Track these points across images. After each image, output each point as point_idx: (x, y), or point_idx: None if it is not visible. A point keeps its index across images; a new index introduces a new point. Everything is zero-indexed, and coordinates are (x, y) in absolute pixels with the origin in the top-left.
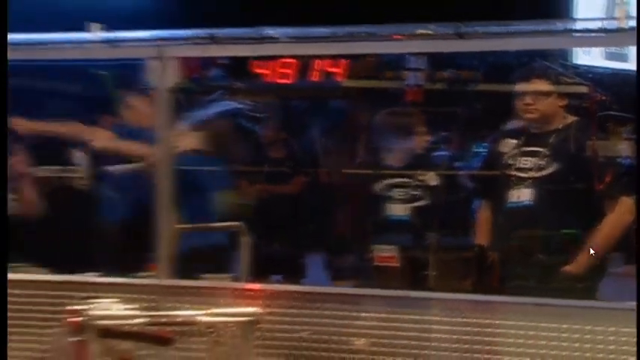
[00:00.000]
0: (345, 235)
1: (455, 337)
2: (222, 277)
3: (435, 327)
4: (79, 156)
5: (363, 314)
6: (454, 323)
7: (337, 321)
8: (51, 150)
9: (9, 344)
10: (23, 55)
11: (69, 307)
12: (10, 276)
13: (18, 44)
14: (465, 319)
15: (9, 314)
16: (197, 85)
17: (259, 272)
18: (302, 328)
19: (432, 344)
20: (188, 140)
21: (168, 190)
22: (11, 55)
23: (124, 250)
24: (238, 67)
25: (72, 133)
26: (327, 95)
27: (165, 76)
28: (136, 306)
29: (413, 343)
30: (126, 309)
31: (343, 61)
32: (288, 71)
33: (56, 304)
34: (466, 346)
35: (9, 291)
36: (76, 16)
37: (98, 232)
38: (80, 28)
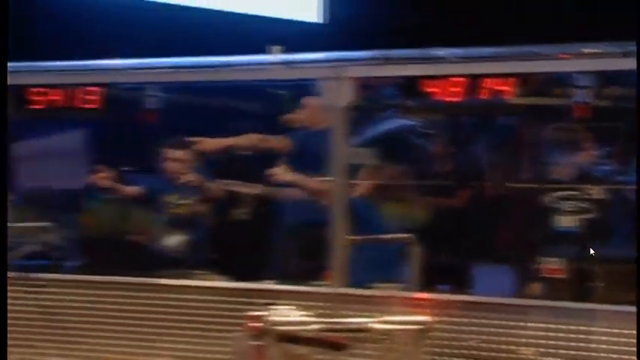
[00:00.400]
0: (512, 247)
1: (620, 348)
2: (393, 287)
3: (600, 338)
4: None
5: (530, 324)
6: (619, 335)
7: (505, 330)
8: (233, 166)
9: (195, 347)
10: (209, 76)
11: (250, 313)
12: (195, 283)
13: (204, 67)
14: (630, 331)
15: (197, 319)
16: (371, 103)
17: (428, 282)
18: (470, 336)
19: (599, 355)
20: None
21: (343, 204)
22: (198, 77)
23: (300, 260)
24: (409, 85)
25: (253, 144)
26: (494, 112)
27: (341, 95)
28: (312, 313)
29: (579, 353)
30: (302, 315)
31: (512, 79)
32: (458, 89)
33: (237, 310)
34: (632, 358)
35: (193, 297)
36: (257, 39)
37: (276, 242)
38: (261, 51)
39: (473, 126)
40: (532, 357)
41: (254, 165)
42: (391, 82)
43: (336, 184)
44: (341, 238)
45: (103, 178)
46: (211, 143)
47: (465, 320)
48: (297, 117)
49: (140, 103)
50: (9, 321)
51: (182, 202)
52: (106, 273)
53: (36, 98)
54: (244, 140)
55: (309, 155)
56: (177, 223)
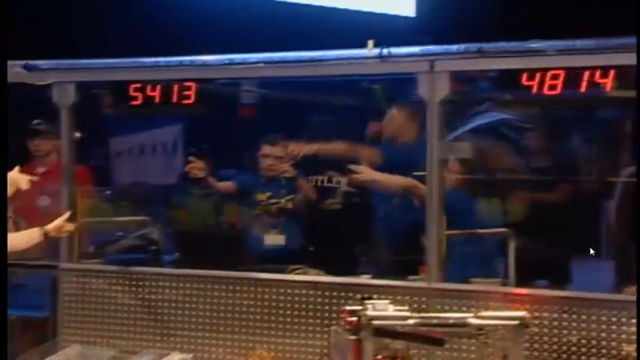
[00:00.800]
0: (611, 241)
1: None
2: (490, 282)
3: None
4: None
5: (632, 320)
6: None
7: (606, 327)
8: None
9: (291, 340)
10: (303, 71)
11: (347, 308)
12: (291, 277)
13: (299, 62)
14: None
15: (293, 312)
16: (466, 97)
17: (526, 277)
18: (570, 332)
19: None
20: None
21: (439, 198)
22: (294, 72)
23: (396, 254)
24: (506, 78)
25: (342, 152)
26: (594, 105)
27: (436, 90)
28: (407, 307)
29: None
30: (398, 310)
31: (612, 72)
32: (556, 82)
33: (334, 305)
34: None
35: (290, 291)
36: (347, 33)
37: (373, 237)
38: (357, 45)
39: (571, 119)
40: (633, 354)
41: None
42: (487, 76)
43: (431, 178)
44: (437, 232)
45: (197, 168)
46: (302, 147)
47: (564, 316)
48: (385, 128)
49: (236, 99)
50: (109, 313)
51: (275, 200)
52: (203, 267)
53: (134, 94)
54: (334, 147)
55: (396, 169)
56: (271, 221)
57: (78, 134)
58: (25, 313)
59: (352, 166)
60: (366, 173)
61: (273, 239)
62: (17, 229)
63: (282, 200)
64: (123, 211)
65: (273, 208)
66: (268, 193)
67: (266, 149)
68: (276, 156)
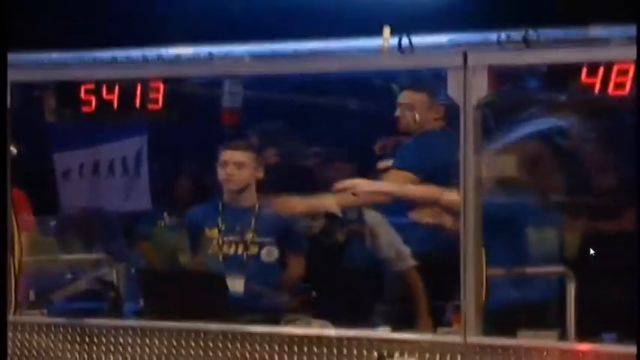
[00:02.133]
0: None
1: None
2: (544, 335)
3: None
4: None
5: None
6: None
7: None
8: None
9: None
10: (301, 67)
11: None
12: (286, 330)
13: (295, 55)
14: None
15: None
16: (509, 98)
17: (590, 329)
18: None
19: None
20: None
21: (476, 228)
22: (288, 67)
23: (420, 301)
24: (560, 75)
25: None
26: None
27: (471, 89)
28: None
29: None
30: None
31: None
32: (625, 79)
33: None
34: None
35: (290, 348)
36: (364, 18)
37: (388, 278)
38: (370, 33)
39: None
40: None
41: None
42: (535, 72)
43: (466, 201)
44: (475, 270)
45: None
46: (363, 184)
47: None
48: (402, 120)
49: (217, 102)
50: None
51: (231, 237)
52: (175, 318)
53: (86, 97)
54: (411, 190)
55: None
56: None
57: (13, 149)
58: None
59: (342, 183)
60: (362, 185)
61: (233, 284)
62: None
63: (244, 240)
64: (72, 247)
65: (229, 251)
66: (220, 227)
67: (226, 155)
68: (238, 162)
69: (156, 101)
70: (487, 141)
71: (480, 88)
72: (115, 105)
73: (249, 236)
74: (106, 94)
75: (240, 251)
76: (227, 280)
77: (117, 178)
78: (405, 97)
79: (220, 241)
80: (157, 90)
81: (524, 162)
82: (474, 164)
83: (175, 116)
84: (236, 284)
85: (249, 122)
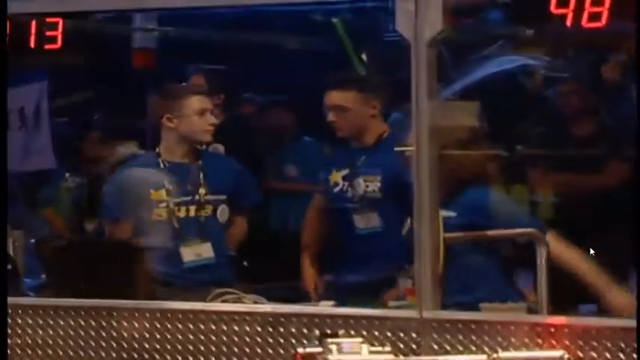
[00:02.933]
0: None
1: None
2: (508, 308)
3: None
4: None
5: None
6: None
7: None
8: None
9: None
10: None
11: (300, 350)
12: (219, 306)
13: None
14: None
15: (221, 358)
16: (468, 34)
17: (564, 299)
18: None
19: None
20: (456, 114)
21: (431, 185)
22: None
23: (369, 269)
24: (527, 6)
25: None
26: None
27: (423, 23)
28: (389, 348)
29: None
30: (375, 352)
31: None
32: (601, 10)
33: (281, 345)
34: None
35: (218, 327)
36: None
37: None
38: None
39: (625, 66)
40: None
41: None
42: (497, 2)
43: (420, 155)
44: (430, 236)
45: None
46: None
47: (620, 355)
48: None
49: (127, 42)
50: None
51: (180, 200)
52: (83, 294)
53: None
54: None
55: None
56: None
57: None
58: None
59: None
60: None
61: (194, 252)
62: None
63: (193, 202)
64: None
65: (176, 215)
66: (167, 188)
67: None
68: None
69: (54, 40)
70: (442, 84)
71: (434, 22)
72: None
73: (200, 195)
74: None
75: (192, 213)
76: (182, 248)
77: (13, 133)
78: (332, 98)
79: (170, 204)
80: (55, 27)
81: (485, 108)
82: (427, 112)
83: (77, 59)
84: (197, 251)
85: (167, 65)
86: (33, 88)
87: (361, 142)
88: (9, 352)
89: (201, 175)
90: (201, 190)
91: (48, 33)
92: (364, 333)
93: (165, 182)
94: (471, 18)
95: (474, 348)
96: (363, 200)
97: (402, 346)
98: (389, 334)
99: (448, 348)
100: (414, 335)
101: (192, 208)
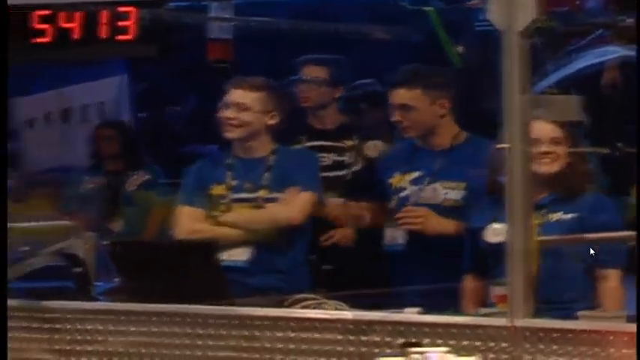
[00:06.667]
0: None
1: None
2: (609, 316)
3: None
4: None
5: None
6: None
7: None
8: None
9: None
10: None
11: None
12: (298, 313)
13: None
14: None
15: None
16: (564, 23)
17: None
18: None
19: None
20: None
21: (524, 187)
22: None
23: (456, 277)
24: None
25: None
26: None
27: (515, 12)
28: (476, 358)
29: None
30: None
31: None
32: None
33: (363, 355)
34: None
35: (297, 334)
36: None
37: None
38: None
39: None
40: None
41: None
42: None
43: (513, 153)
44: (523, 239)
45: None
46: None
47: None
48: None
49: (202, 32)
50: None
51: (244, 194)
52: (158, 300)
53: (39, 26)
54: None
55: None
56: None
57: None
58: None
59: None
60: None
61: (232, 253)
62: None
63: (258, 195)
64: (36, 213)
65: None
66: (230, 183)
67: (232, 95)
68: (240, 104)
69: (126, 31)
70: (536, 77)
71: (527, 10)
72: (76, 36)
73: (261, 193)
74: (64, 23)
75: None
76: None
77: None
78: (397, 96)
79: (229, 200)
80: (128, 17)
81: (586, 102)
82: (520, 106)
83: (150, 50)
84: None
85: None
86: (112, 81)
87: (432, 145)
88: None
89: (267, 173)
90: (263, 190)
91: (120, 23)
92: (451, 342)
93: (228, 177)
94: (567, 6)
95: (569, 359)
96: (440, 206)
97: (491, 355)
98: (478, 343)
99: (542, 358)
100: (504, 345)
101: (249, 206)
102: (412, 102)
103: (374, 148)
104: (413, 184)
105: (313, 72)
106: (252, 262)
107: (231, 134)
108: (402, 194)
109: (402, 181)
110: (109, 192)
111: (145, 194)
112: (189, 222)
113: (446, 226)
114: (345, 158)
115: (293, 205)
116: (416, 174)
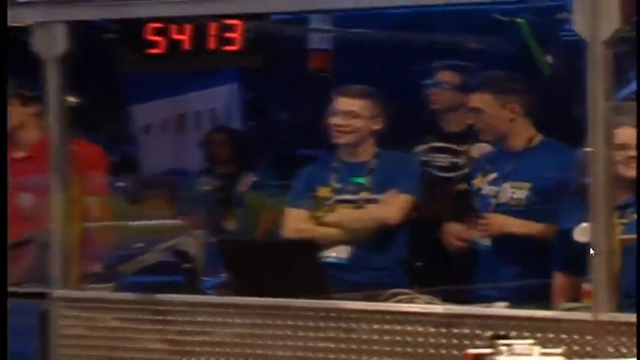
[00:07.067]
0: None
1: None
2: None
3: None
4: None
5: None
6: None
7: None
8: None
9: None
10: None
11: (470, 351)
12: (393, 307)
13: None
14: None
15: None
16: None
17: None
18: None
19: None
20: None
21: (607, 189)
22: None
23: (541, 272)
24: None
25: None
26: None
27: (599, 23)
28: (562, 350)
29: None
30: (547, 354)
31: None
32: None
33: (456, 344)
34: None
35: (391, 327)
36: None
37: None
38: None
39: None
40: None
41: None
42: None
43: (596, 158)
44: (605, 237)
45: None
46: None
47: None
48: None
49: (304, 43)
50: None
51: (346, 195)
52: (263, 294)
53: (152, 38)
54: None
55: None
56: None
57: (72, 99)
58: None
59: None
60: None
61: (333, 251)
62: None
63: (359, 196)
64: (149, 213)
65: (341, 212)
66: (334, 186)
67: (340, 103)
68: (349, 111)
69: (232, 42)
70: (620, 85)
71: (612, 19)
72: (186, 47)
73: (363, 194)
74: (175, 34)
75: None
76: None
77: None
78: (471, 101)
79: (333, 201)
80: (234, 29)
81: None
82: (603, 113)
83: (255, 60)
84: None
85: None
86: (222, 89)
87: (507, 147)
88: (193, 349)
89: (369, 176)
90: (364, 191)
91: (227, 35)
92: (537, 335)
93: (332, 180)
94: None
95: None
96: (505, 206)
97: (576, 348)
98: (563, 336)
99: (624, 351)
100: (588, 338)
101: (350, 207)
102: (483, 106)
103: (476, 150)
104: (490, 185)
105: (447, 77)
106: (352, 260)
107: (341, 140)
108: (481, 194)
109: (482, 182)
110: (221, 194)
111: (255, 196)
112: (295, 222)
113: (525, 227)
114: (460, 160)
115: (391, 207)
116: (493, 175)
